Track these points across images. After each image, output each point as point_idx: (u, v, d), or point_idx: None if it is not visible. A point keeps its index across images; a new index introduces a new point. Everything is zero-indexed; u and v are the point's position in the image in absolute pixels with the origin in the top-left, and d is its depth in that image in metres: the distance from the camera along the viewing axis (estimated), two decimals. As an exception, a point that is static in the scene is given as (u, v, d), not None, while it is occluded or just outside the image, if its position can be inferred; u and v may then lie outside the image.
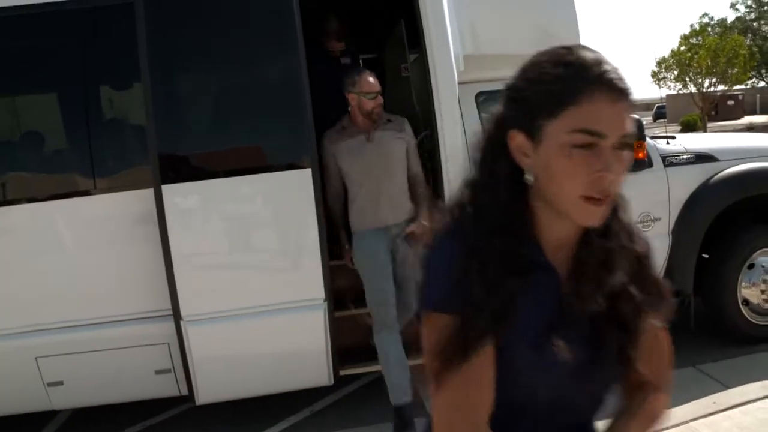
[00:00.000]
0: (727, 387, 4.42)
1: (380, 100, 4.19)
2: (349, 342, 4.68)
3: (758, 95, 45.11)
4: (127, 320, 4.23)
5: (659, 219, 5.10)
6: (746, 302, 5.20)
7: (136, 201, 4.18)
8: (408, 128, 4.31)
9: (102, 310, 4.22)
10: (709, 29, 34.16)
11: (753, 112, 44.77)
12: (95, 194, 4.23)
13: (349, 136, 4.19)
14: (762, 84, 36.81)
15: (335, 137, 4.23)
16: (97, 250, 4.24)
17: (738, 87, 34.72)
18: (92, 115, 4.28)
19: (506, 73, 4.85)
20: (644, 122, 5.10)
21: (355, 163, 4.16)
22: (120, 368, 4.31)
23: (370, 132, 4.18)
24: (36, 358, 4.21)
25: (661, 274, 5.12)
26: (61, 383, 4.30)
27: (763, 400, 4.11)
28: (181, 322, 4.13)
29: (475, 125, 4.89)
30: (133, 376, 4.37)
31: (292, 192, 4.22)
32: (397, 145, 4.21)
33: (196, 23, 4.28)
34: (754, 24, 35.02)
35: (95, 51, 4.25)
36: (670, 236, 5.12)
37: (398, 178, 4.21)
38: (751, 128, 30.19)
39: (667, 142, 5.41)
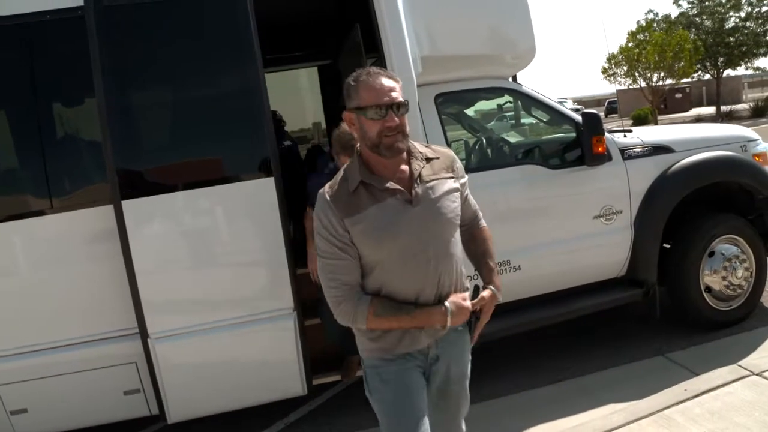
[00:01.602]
0: (696, 374, 4.49)
1: (397, 122, 2.36)
2: (320, 350, 4.63)
3: (704, 88, 46.21)
4: (91, 341, 4.13)
5: (621, 212, 5.17)
6: (709, 289, 5.29)
7: (96, 218, 4.08)
8: (459, 166, 2.62)
9: (65, 332, 4.10)
10: (655, 25, 34.84)
11: (700, 104, 45.87)
12: (52, 213, 4.11)
13: (369, 198, 2.41)
14: (707, 77, 37.64)
15: (343, 202, 2.41)
16: (56, 271, 4.12)
17: (685, 80, 35.44)
18: (46, 132, 4.16)
19: (464, 73, 4.92)
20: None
21: (385, 245, 2.40)
22: (87, 391, 4.19)
23: (411, 185, 2.43)
24: (-3, 385, 4.07)
25: (625, 266, 5.18)
26: (24, 410, 4.17)
27: (731, 384, 4.18)
28: (149, 340, 4.04)
29: (435, 127, 4.90)
30: (101, 399, 4.25)
31: (255, 201, 4.17)
32: (452, 202, 2.51)
33: (150, 35, 4.20)
34: (697, 19, 35.80)
35: (47, 66, 4.14)
36: (633, 228, 5.19)
37: (457, 258, 2.56)
38: (699, 120, 30.94)
39: (624, 136, 5.48)
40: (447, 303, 2.46)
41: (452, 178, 2.54)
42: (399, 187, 2.40)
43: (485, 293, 2.60)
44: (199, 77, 4.27)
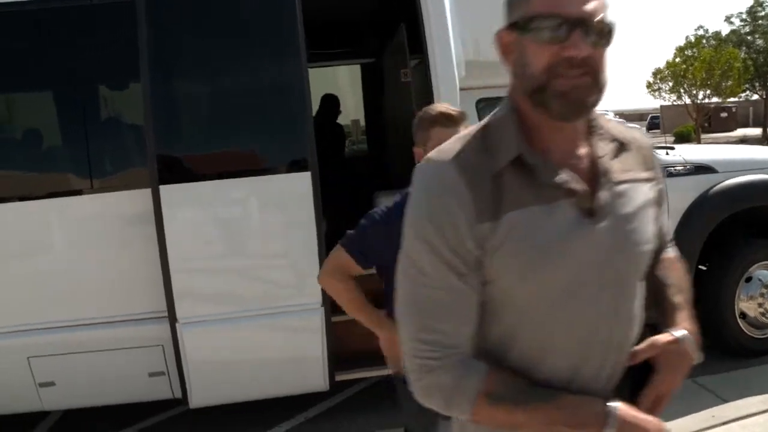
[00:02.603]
0: (725, 401, 4.40)
1: (587, 53, 1.23)
2: (346, 347, 4.64)
3: (751, 108, 45.36)
4: (121, 321, 4.18)
5: (658, 229, 5.07)
6: (744, 315, 5.19)
7: (133, 201, 4.14)
8: (658, 161, 1.51)
9: (96, 310, 4.16)
10: (704, 41, 34.29)
11: (746, 125, 45.03)
12: (91, 193, 4.18)
13: (526, 190, 1.27)
14: (755, 97, 36.95)
15: (484, 190, 1.26)
16: (92, 250, 4.19)
17: (731, 99, 34.85)
18: (90, 114, 4.23)
19: (507, 79, 4.85)
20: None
21: (544, 275, 1.27)
22: (113, 370, 4.25)
23: (593, 183, 1.32)
24: (28, 358, 4.15)
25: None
26: (52, 384, 4.24)
27: (762, 415, 4.09)
28: (177, 325, 4.08)
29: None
30: (126, 378, 4.31)
31: (291, 195, 4.19)
32: (649, 223, 1.41)
33: (198, 24, 4.25)
34: (749, 37, 35.15)
35: (95, 50, 4.21)
36: (669, 247, 5.08)
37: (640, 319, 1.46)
38: (744, 141, 30.37)
39: (667, 153, 5.40)
40: (613, 406, 1.28)
41: (650, 180, 1.43)
42: (579, 185, 1.29)
43: (663, 338, 1.41)
44: (243, 68, 4.31)
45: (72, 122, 4.23)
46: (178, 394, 4.33)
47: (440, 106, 2.34)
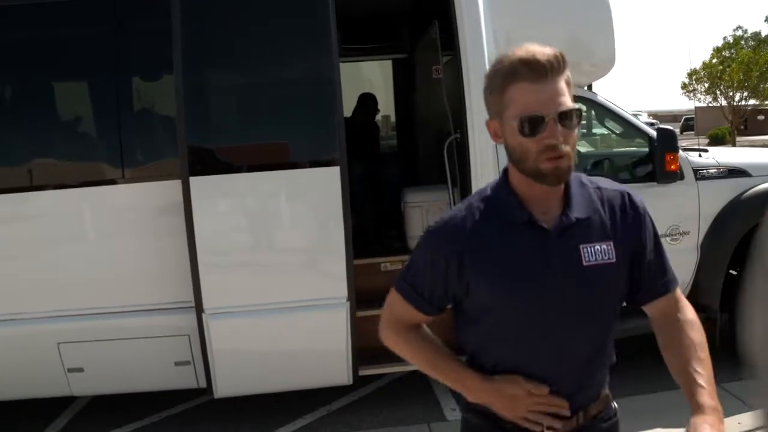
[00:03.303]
0: (750, 407, 4.33)
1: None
2: (370, 342, 4.65)
3: (789, 111, 44.51)
4: (149, 310, 4.25)
5: (688, 233, 5.02)
6: (774, 321, 5.09)
7: (164, 192, 4.19)
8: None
9: (125, 299, 4.23)
10: (743, 42, 33.67)
11: (783, 128, 44.18)
12: (123, 183, 4.25)
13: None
14: (794, 100, 36.26)
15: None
16: (122, 239, 4.26)
17: (769, 102, 34.25)
18: (122, 105, 4.30)
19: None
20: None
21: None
22: (140, 358, 4.32)
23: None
24: (58, 343, 4.23)
25: (688, 289, 4.99)
26: (81, 370, 4.32)
27: (789, 423, 4.02)
28: (203, 315, 4.13)
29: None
30: (152, 367, 4.38)
31: (319, 189, 4.21)
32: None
33: (231, 17, 4.28)
34: (789, 39, 34.49)
35: (128, 42, 4.27)
36: (699, 251, 5.03)
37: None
38: (780, 144, 29.81)
39: (700, 155, 5.32)
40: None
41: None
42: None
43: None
44: (274, 63, 4.34)
45: (105, 113, 4.30)
46: (203, 384, 4.39)
47: (521, 49, 1.55)
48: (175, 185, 4.09)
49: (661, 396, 4.75)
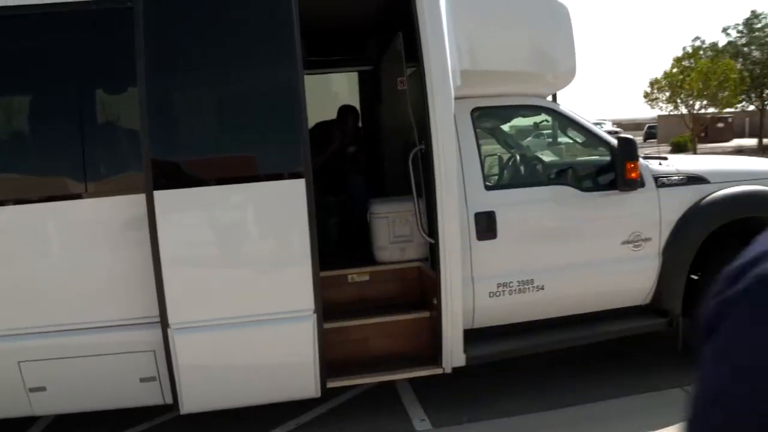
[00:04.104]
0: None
1: None
2: (338, 354, 4.65)
3: (747, 119, 45.42)
4: (114, 326, 4.19)
5: (650, 239, 5.11)
6: (734, 325, 5.19)
7: (127, 206, 4.15)
8: None
9: (89, 315, 4.17)
10: (701, 52, 34.37)
11: (742, 135, 45.08)
12: (85, 198, 4.19)
13: None
14: (751, 108, 37.03)
15: None
16: (85, 255, 4.20)
17: (728, 110, 34.92)
18: (86, 119, 4.25)
19: (502, 89, 4.91)
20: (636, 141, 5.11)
21: None
22: (104, 375, 4.25)
23: None
24: (19, 362, 4.15)
25: (651, 295, 5.06)
26: (43, 389, 4.24)
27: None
28: (169, 330, 4.09)
29: (469, 140, 4.91)
30: (117, 384, 4.31)
31: (285, 202, 4.20)
32: None
33: (195, 30, 4.27)
34: (745, 49, 35.24)
35: (90, 54, 4.23)
36: (661, 256, 5.12)
37: None
38: (740, 151, 30.44)
39: (660, 163, 5.43)
40: None
41: None
42: None
43: None
44: (239, 75, 4.33)
45: (67, 127, 4.23)
46: (170, 400, 4.33)
47: None
48: (139, 199, 4.05)
49: (629, 399, 4.81)
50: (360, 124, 7.33)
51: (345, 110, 6.99)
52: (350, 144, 6.77)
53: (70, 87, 4.24)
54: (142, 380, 4.29)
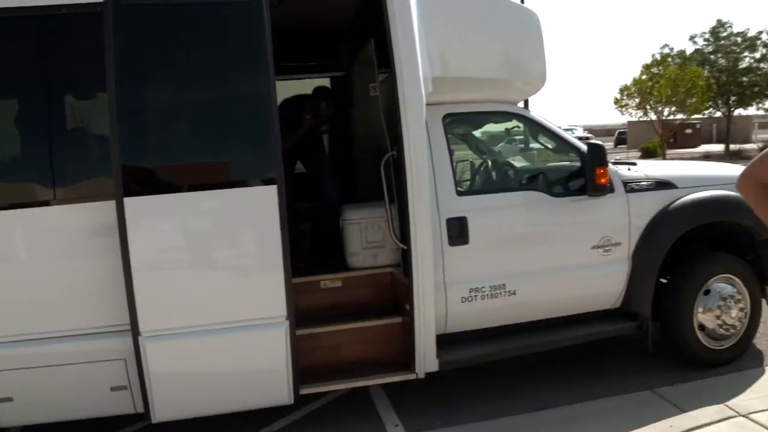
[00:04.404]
0: (683, 411, 4.48)
1: None
2: (311, 360, 4.64)
3: (715, 125, 46.29)
4: (82, 335, 4.13)
5: (620, 243, 5.18)
6: (702, 327, 5.29)
7: (96, 213, 4.10)
8: None
9: (57, 323, 4.11)
10: (670, 60, 34.92)
11: (710, 141, 45.88)
12: (54, 204, 4.13)
13: None
14: (718, 114, 37.71)
15: None
16: (55, 262, 4.14)
17: (696, 116, 35.48)
18: (54, 125, 4.19)
19: (474, 96, 4.95)
20: (606, 148, 5.18)
21: None
22: (74, 384, 4.19)
23: None
24: (-15, 372, 4.08)
25: (621, 299, 5.15)
26: (10, 399, 4.17)
27: (717, 424, 4.18)
28: (140, 338, 4.05)
29: (441, 146, 4.94)
30: (87, 393, 4.26)
31: (257, 208, 4.18)
32: None
33: (165, 35, 4.24)
34: (711, 57, 35.90)
35: (59, 59, 4.18)
36: (630, 261, 5.20)
37: None
38: (707, 157, 30.96)
39: (629, 169, 5.51)
40: None
41: None
42: None
43: None
44: (210, 80, 4.30)
45: (35, 133, 4.18)
46: (141, 409, 4.29)
47: None
48: (109, 206, 4.01)
49: (601, 402, 4.86)
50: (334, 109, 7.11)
51: (318, 92, 6.51)
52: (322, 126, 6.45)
53: (38, 92, 4.18)
54: (112, 389, 4.25)
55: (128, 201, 3.98)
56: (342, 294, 5.19)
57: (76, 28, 4.18)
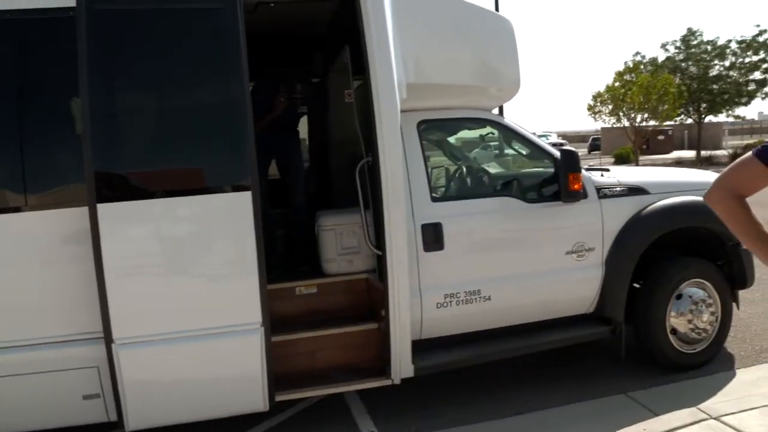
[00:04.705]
0: (656, 414, 4.53)
1: None
2: (287, 367, 4.62)
3: (686, 132, 46.98)
4: (53, 342, 4.08)
5: (593, 249, 5.24)
6: (674, 331, 5.35)
7: (69, 219, 4.06)
8: None
9: (28, 331, 4.05)
10: (642, 67, 35.36)
11: (681, 147, 46.56)
12: (24, 210, 4.08)
13: None
14: (690, 121, 38.24)
15: None
16: (26, 269, 4.09)
17: (668, 123, 35.92)
18: (26, 129, 4.13)
19: (448, 102, 4.98)
20: (579, 153, 5.23)
21: None
22: (45, 393, 4.13)
23: None
24: (-46, 381, 4.01)
25: (595, 303, 5.20)
26: (-20, 409, 4.10)
27: (689, 427, 4.23)
28: (113, 345, 4.01)
29: (416, 152, 4.96)
30: (59, 401, 4.19)
31: (231, 214, 4.17)
32: None
33: (138, 41, 4.21)
34: (683, 64, 36.42)
35: (32, 63, 4.14)
36: (604, 266, 5.25)
37: None
38: (679, 163, 31.39)
39: (602, 175, 5.58)
40: None
41: None
42: None
43: None
44: (183, 86, 4.29)
45: (6, 136, 4.12)
46: (114, 417, 4.24)
47: None
48: (82, 212, 3.97)
49: (576, 406, 4.90)
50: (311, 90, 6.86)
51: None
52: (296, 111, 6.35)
53: (9, 97, 4.13)
54: (85, 397, 4.19)
55: (101, 207, 3.94)
56: (317, 300, 5.18)
57: (48, 33, 4.13)
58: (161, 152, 4.29)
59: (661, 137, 43.44)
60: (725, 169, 2.16)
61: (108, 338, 4.01)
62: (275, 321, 4.42)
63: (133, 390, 4.11)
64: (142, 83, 4.28)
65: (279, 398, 4.47)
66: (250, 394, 4.31)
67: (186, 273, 4.22)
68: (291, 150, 6.36)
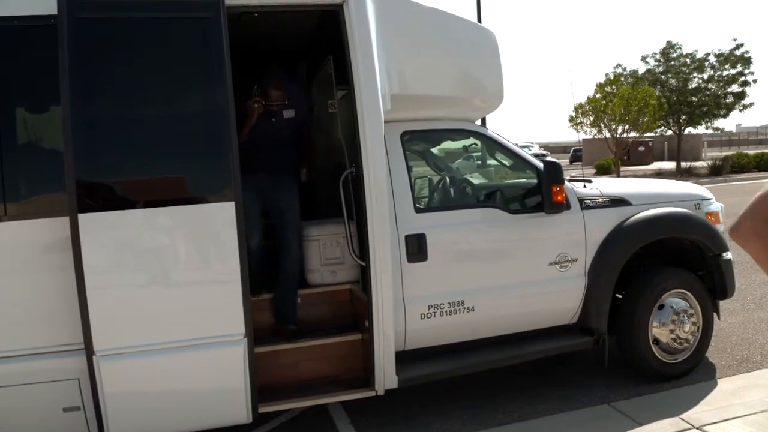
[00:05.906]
0: (639, 424, 4.55)
1: None
2: (270, 378, 4.59)
3: (666, 143, 47.43)
4: (33, 354, 4.02)
5: (576, 260, 5.26)
6: (656, 341, 5.39)
7: (48, 229, 4.01)
8: None
9: (7, 343, 3.99)
10: (622, 79, 35.64)
11: (662, 159, 46.99)
12: (4, 220, 4.03)
13: None
14: (670, 133, 38.60)
15: None
16: (4, 279, 4.03)
17: (648, 135, 36.21)
18: (5, 138, 4.09)
19: (432, 113, 5.00)
20: (561, 164, 5.26)
21: None
22: (24, 406, 4.07)
23: None
24: (-70, 395, 3.94)
25: (578, 314, 5.22)
26: (-43, 422, 4.03)
27: (672, 437, 4.25)
28: (94, 357, 3.96)
29: (399, 163, 4.97)
30: (38, 415, 4.13)
31: (215, 225, 4.14)
32: None
33: (121, 50, 4.18)
34: (663, 77, 36.77)
35: (12, 71, 4.10)
36: (587, 277, 5.28)
37: None
38: (660, 174, 31.66)
39: (584, 186, 5.61)
40: None
41: None
42: None
43: None
44: (166, 96, 4.26)
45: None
46: (95, 430, 4.18)
47: None
48: (62, 222, 3.93)
49: (559, 417, 4.90)
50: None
51: (270, 72, 5.47)
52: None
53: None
54: (65, 410, 4.13)
55: (83, 217, 3.90)
56: (301, 311, 5.16)
57: (28, 41, 4.10)
58: (144, 162, 4.25)
59: (641, 148, 43.84)
60: (753, 199, 1.92)
61: (89, 350, 3.96)
62: (259, 332, 4.39)
63: (115, 402, 4.06)
64: (124, 93, 4.23)
65: (262, 410, 4.44)
66: (233, 405, 4.27)
67: (168, 284, 4.18)
68: (285, 201, 5.32)
